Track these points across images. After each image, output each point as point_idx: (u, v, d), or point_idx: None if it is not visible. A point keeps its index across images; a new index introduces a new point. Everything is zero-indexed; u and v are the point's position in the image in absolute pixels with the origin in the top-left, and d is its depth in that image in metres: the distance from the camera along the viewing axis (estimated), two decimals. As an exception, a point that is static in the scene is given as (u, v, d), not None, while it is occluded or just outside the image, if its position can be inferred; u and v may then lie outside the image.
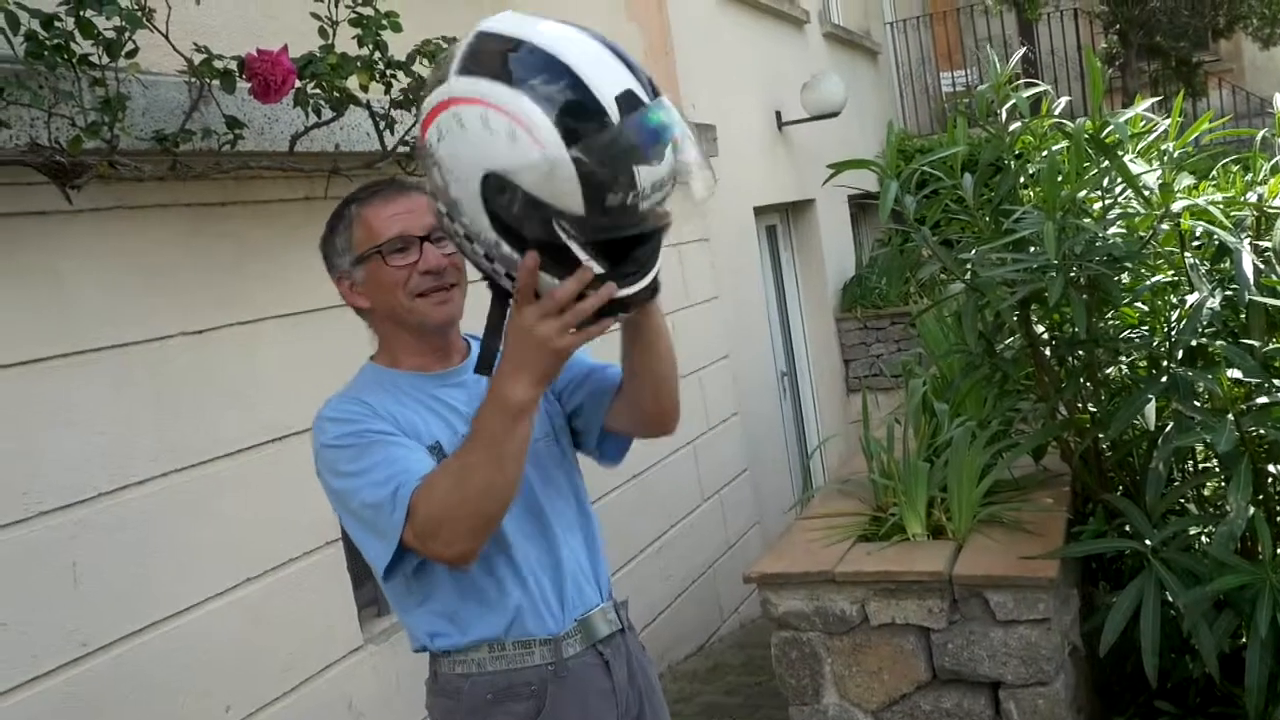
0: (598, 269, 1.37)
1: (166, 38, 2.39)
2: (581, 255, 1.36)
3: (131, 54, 2.26)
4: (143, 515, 2.52)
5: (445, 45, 2.95)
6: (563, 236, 1.33)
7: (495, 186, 1.32)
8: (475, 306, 1.72)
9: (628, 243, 1.41)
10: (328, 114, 2.75)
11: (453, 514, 1.50)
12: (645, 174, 1.31)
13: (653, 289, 1.48)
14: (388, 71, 2.85)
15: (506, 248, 1.38)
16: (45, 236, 2.37)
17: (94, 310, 2.47)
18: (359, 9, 2.73)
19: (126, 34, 2.23)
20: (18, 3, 2.05)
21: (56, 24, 2.13)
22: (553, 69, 1.30)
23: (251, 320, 2.86)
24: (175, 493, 2.61)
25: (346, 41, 2.72)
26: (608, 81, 1.31)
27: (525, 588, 1.69)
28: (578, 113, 1.29)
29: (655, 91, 1.36)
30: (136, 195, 2.56)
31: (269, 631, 2.81)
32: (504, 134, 1.29)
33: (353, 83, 2.76)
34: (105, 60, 2.23)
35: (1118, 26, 11.08)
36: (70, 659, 2.33)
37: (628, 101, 1.31)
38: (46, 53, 2.12)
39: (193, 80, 2.48)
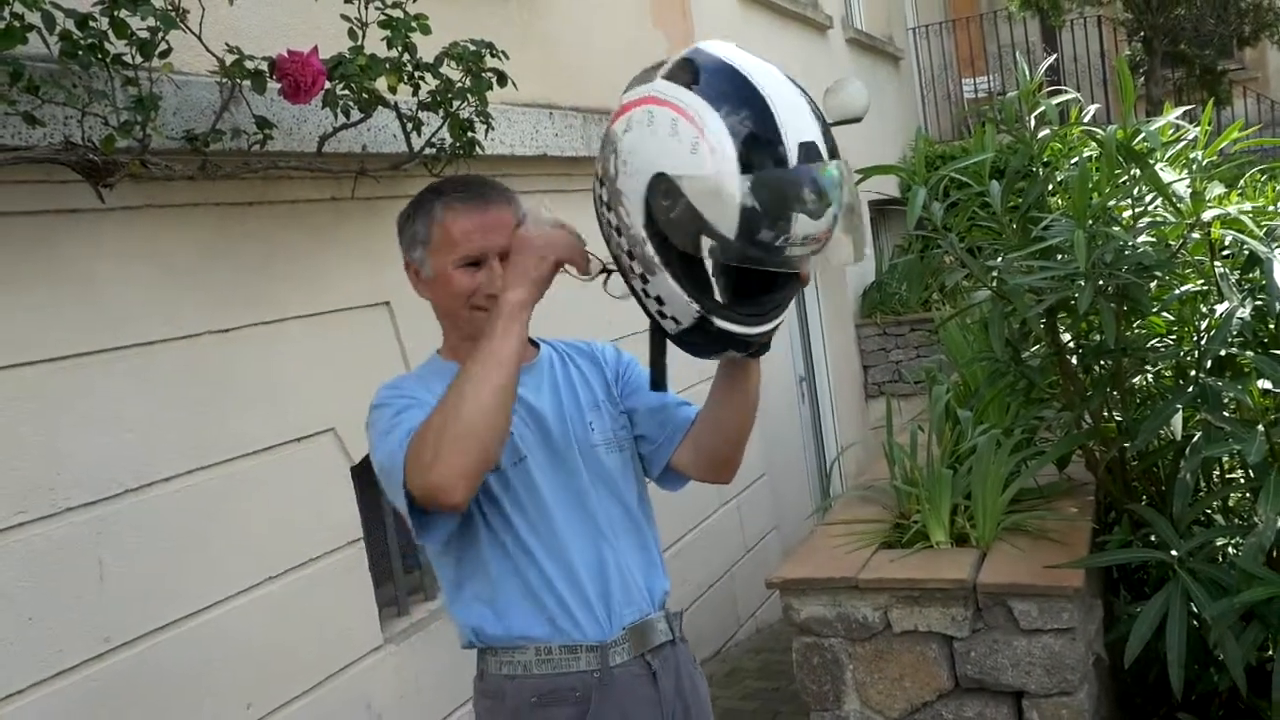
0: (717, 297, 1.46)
1: (199, 38, 2.41)
2: (713, 281, 1.45)
3: (164, 54, 2.27)
4: (168, 513, 2.53)
5: (473, 48, 2.96)
6: (704, 253, 1.39)
7: (662, 188, 1.39)
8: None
9: (758, 285, 1.48)
10: (356, 115, 2.76)
11: (441, 431, 1.48)
12: (801, 222, 1.36)
13: (765, 344, 1.55)
14: (416, 73, 2.86)
15: (650, 249, 1.44)
16: (77, 234, 2.39)
17: (123, 308, 2.48)
18: (388, 11, 2.74)
19: (160, 34, 2.24)
20: (53, 2, 2.06)
21: (91, 24, 2.14)
22: (751, 101, 1.37)
23: (278, 320, 2.87)
24: (200, 491, 2.62)
25: (375, 43, 2.74)
26: (795, 128, 1.37)
27: (567, 583, 1.69)
28: (761, 146, 1.35)
29: (835, 153, 1.42)
30: (166, 194, 2.58)
31: (290, 630, 2.82)
32: (688, 142, 1.36)
33: (381, 84, 2.77)
34: (138, 60, 2.24)
35: (1142, 34, 11.01)
36: (95, 654, 2.34)
37: (808, 152, 1.37)
38: (81, 52, 2.13)
39: (224, 80, 2.49)
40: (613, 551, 1.74)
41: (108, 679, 2.36)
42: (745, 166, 1.34)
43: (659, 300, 1.49)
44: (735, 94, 1.38)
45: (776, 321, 1.53)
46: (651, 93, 1.43)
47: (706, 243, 1.37)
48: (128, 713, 2.39)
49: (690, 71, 1.42)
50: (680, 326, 1.51)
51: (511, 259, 1.59)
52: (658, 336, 1.60)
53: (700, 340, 1.51)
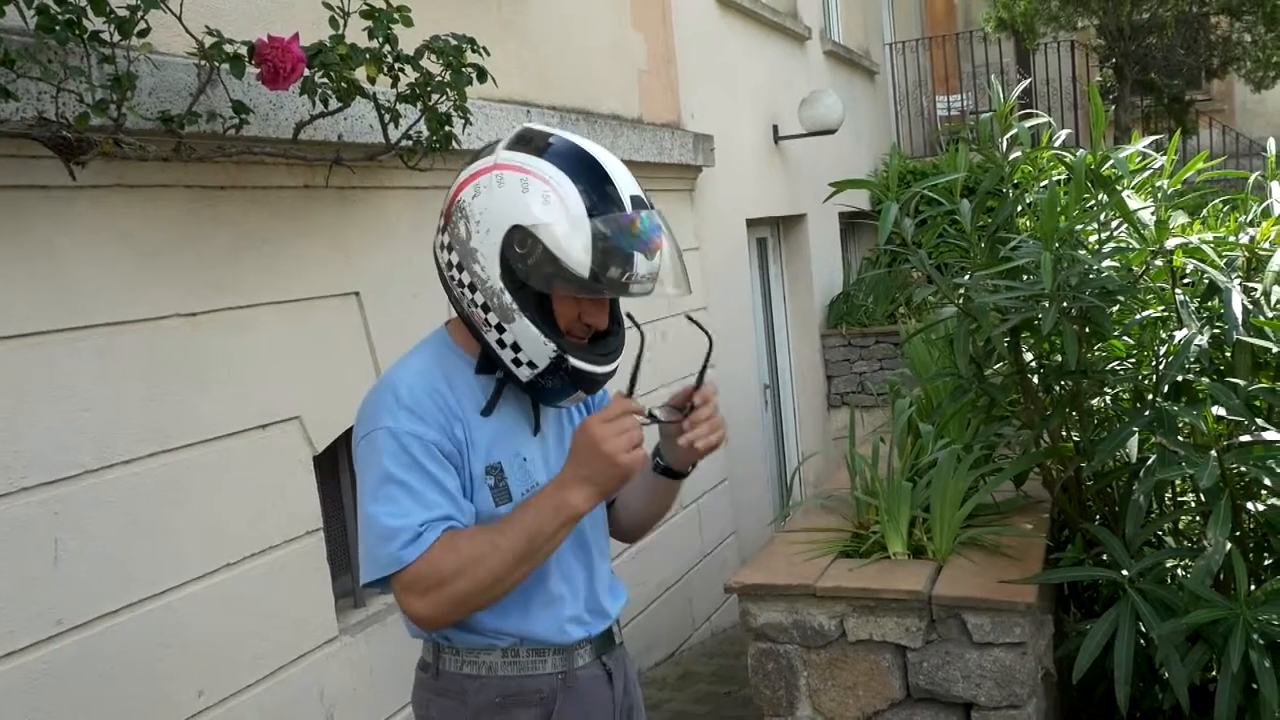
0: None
1: (179, 19, 2.39)
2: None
3: (143, 33, 2.26)
4: (127, 495, 2.51)
5: (454, 42, 2.96)
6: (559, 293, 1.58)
7: (518, 238, 1.55)
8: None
9: (602, 333, 1.68)
10: (334, 104, 2.75)
11: (453, 582, 1.54)
12: (641, 261, 1.57)
13: (605, 377, 1.68)
14: (396, 65, 2.86)
15: (508, 298, 1.59)
16: (46, 211, 2.36)
17: (90, 286, 2.46)
18: (370, 1, 2.74)
19: (139, 13, 2.22)
20: (32, -24, 2.04)
21: (69, -1, 2.12)
22: (588, 161, 1.59)
23: (246, 305, 2.86)
24: (160, 474, 2.60)
25: (356, 33, 2.73)
26: (625, 183, 1.60)
27: (552, 600, 1.73)
28: (602, 197, 1.56)
29: (652, 205, 1.64)
30: (139, 175, 2.56)
31: (245, 618, 2.80)
32: (539, 195, 1.55)
33: (360, 74, 2.76)
34: (116, 38, 2.23)
35: (1113, 60, 11.19)
36: (46, 636, 2.31)
37: (637, 203, 1.60)
38: (58, 27, 2.11)
39: (202, 63, 2.48)
40: (594, 571, 1.80)
41: (58, 661, 2.33)
42: (591, 213, 1.54)
43: (515, 348, 1.62)
44: (573, 156, 1.59)
45: (616, 363, 1.70)
46: (497, 161, 1.60)
47: (562, 283, 1.55)
48: (77, 696, 2.37)
49: (528, 142, 1.61)
50: (535, 371, 1.63)
51: (583, 456, 1.58)
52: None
53: (554, 383, 1.65)
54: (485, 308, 1.61)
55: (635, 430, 1.57)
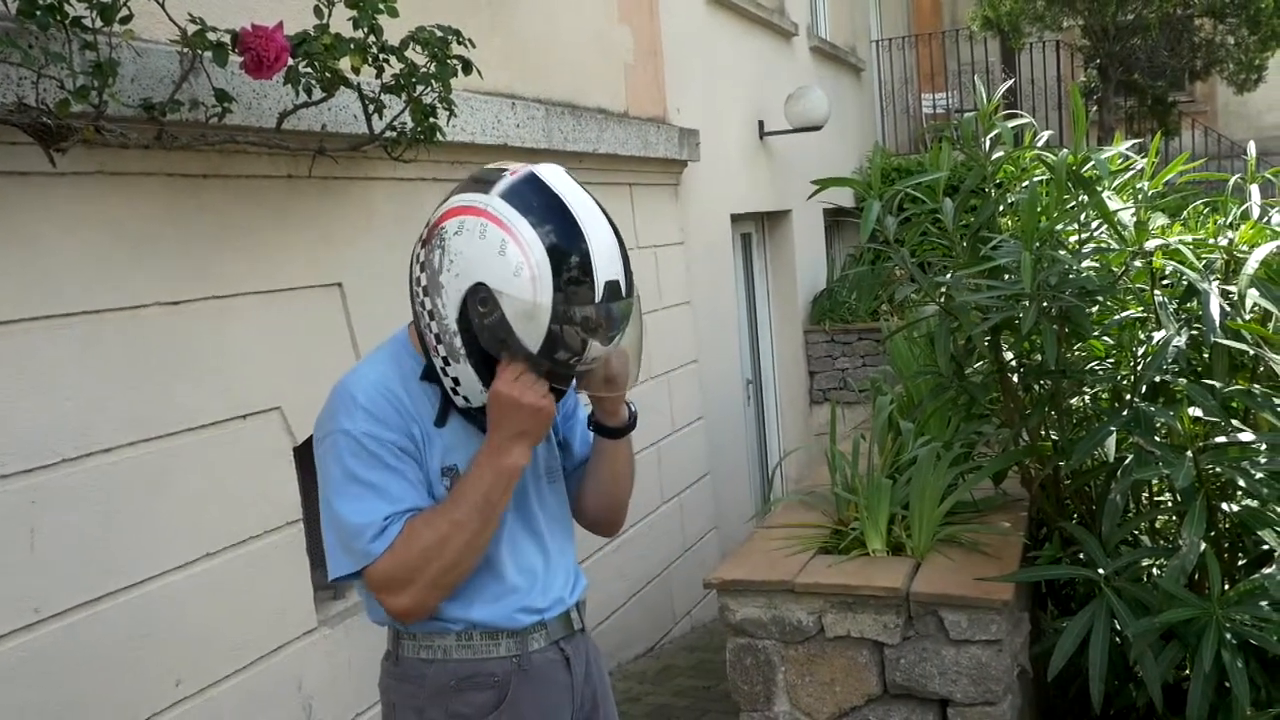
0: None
1: (162, 6, 2.38)
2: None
3: (125, 20, 2.24)
4: (105, 484, 2.50)
5: (440, 33, 2.95)
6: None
7: (481, 295, 1.59)
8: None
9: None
10: (318, 94, 2.74)
11: (425, 568, 1.62)
12: (594, 347, 1.62)
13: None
14: (380, 55, 2.84)
15: (459, 341, 1.64)
16: (26, 198, 2.35)
17: (70, 274, 2.44)
18: (356, -9, 2.72)
19: (122, -1, 2.21)
20: (13, -40, 2.03)
21: (51, -16, 2.11)
22: (573, 239, 1.58)
23: (227, 295, 2.85)
24: (140, 463, 2.59)
25: (341, 23, 2.72)
26: (606, 270, 1.59)
27: (503, 587, 1.76)
28: (575, 282, 1.57)
29: (630, 289, 1.65)
30: (120, 162, 2.54)
31: (224, 608, 2.80)
32: (513, 264, 1.56)
33: (344, 64, 2.75)
34: (98, 24, 2.21)
35: (1098, 61, 11.23)
36: (23, 624, 2.30)
37: (610, 291, 1.60)
38: (39, 12, 2.10)
39: (185, 50, 2.46)
40: (550, 562, 1.83)
41: (35, 650, 2.32)
42: (559, 298, 1.56)
43: (455, 381, 1.68)
44: (561, 230, 1.58)
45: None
46: (488, 208, 1.60)
47: (509, 353, 1.60)
48: (54, 685, 2.36)
49: (525, 198, 1.60)
50: (470, 405, 1.71)
51: (506, 418, 1.65)
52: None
53: (485, 416, 1.68)
54: (437, 338, 1.66)
55: (540, 381, 1.64)
